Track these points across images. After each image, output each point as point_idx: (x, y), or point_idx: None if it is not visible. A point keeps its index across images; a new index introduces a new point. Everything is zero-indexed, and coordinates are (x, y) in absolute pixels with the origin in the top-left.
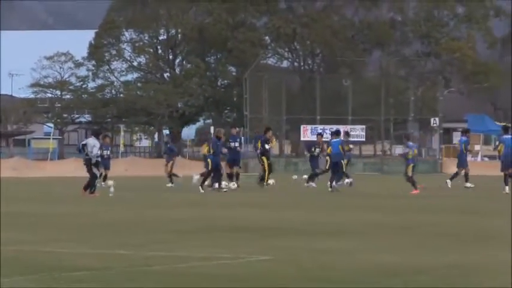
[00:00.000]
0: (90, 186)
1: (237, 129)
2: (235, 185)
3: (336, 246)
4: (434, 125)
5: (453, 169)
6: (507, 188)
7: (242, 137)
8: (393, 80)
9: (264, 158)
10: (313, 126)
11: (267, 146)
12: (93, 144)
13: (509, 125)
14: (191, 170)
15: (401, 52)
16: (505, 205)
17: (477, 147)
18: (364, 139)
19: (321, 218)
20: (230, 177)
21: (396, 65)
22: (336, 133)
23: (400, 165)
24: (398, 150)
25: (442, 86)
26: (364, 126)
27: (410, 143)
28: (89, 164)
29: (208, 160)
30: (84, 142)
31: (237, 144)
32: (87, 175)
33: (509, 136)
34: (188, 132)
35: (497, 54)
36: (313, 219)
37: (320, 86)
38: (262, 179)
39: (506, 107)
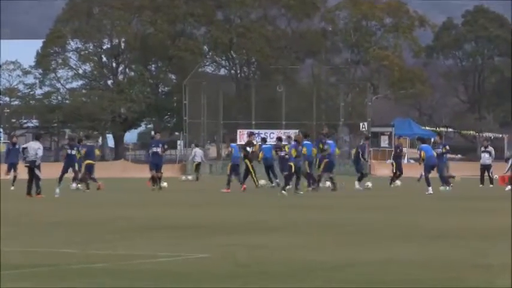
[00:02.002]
0: (36, 187)
1: (159, 134)
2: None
3: (269, 243)
4: (363, 129)
5: (381, 171)
6: (430, 188)
7: (182, 141)
8: (324, 86)
9: (247, 161)
10: (249, 130)
11: (248, 149)
12: (36, 147)
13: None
14: (134, 173)
15: (332, 60)
16: (428, 203)
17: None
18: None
19: (257, 216)
20: (154, 180)
21: (327, 73)
22: (279, 139)
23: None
24: None
25: (371, 92)
26: (297, 131)
27: (305, 141)
28: (32, 166)
29: (291, 163)
30: (24, 146)
31: (158, 149)
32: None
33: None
34: (130, 136)
35: (422, 62)
36: (249, 217)
37: (255, 92)
38: (242, 181)
39: (431, 112)
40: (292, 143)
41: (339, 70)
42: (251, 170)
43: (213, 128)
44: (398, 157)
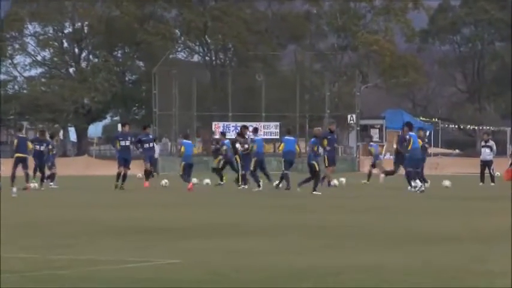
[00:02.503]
0: None
1: (128, 125)
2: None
3: (248, 247)
4: (351, 121)
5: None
6: (415, 183)
7: (152, 135)
8: (308, 74)
9: (237, 157)
10: (225, 123)
11: (238, 146)
12: None
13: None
14: (98, 170)
15: (317, 46)
16: (424, 204)
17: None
18: (278, 136)
19: (235, 218)
20: (119, 177)
21: (311, 59)
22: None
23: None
24: None
25: (359, 81)
26: (278, 123)
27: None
28: None
29: (314, 162)
30: None
31: (127, 142)
32: None
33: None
34: (95, 129)
35: (415, 47)
36: (225, 219)
37: (232, 81)
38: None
39: (425, 103)
40: (312, 139)
41: (324, 57)
42: (238, 168)
43: (186, 121)
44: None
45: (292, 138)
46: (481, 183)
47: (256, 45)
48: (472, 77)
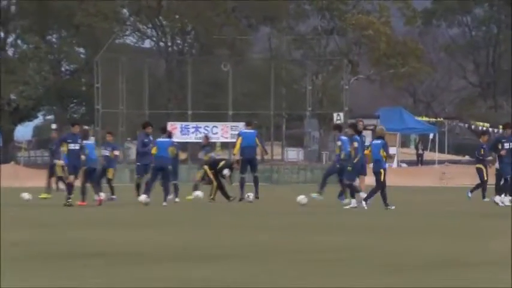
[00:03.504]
0: None
1: (78, 126)
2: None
3: (214, 275)
4: (338, 121)
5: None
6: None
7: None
8: (286, 64)
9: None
10: (184, 123)
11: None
12: None
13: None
14: (28, 180)
15: (296, 29)
16: (424, 222)
17: (392, 151)
18: None
19: (202, 240)
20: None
21: (289, 45)
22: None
23: (294, 173)
24: (292, 153)
25: (348, 72)
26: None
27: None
28: None
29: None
30: None
31: (77, 146)
32: None
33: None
34: (24, 131)
35: (417, 31)
36: (190, 240)
37: (192, 72)
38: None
39: (429, 98)
40: (342, 137)
41: (305, 42)
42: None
43: (135, 120)
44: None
45: (251, 130)
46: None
47: (222, 27)
48: (485, 67)
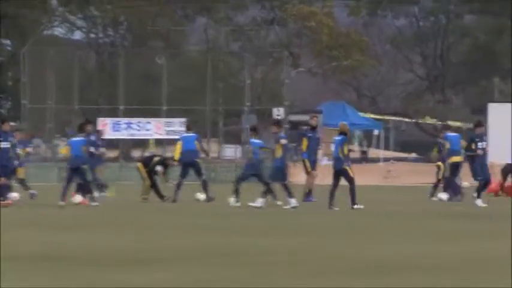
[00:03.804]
0: None
1: (8, 123)
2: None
3: (140, 280)
4: (278, 117)
5: (302, 177)
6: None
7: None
8: (223, 56)
9: (140, 166)
10: (116, 119)
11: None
12: None
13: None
14: None
15: (234, 19)
16: (373, 223)
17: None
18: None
19: (131, 242)
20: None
21: (227, 37)
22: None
23: (231, 171)
24: (230, 151)
25: (289, 64)
26: (184, 120)
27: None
28: None
29: (346, 167)
30: None
31: (7, 144)
32: None
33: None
34: None
35: (361, 22)
36: (116, 243)
37: (124, 65)
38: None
39: (374, 93)
40: (337, 137)
41: (243, 33)
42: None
43: (64, 116)
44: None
45: (191, 134)
46: (447, 196)
47: (156, 18)
48: (433, 59)
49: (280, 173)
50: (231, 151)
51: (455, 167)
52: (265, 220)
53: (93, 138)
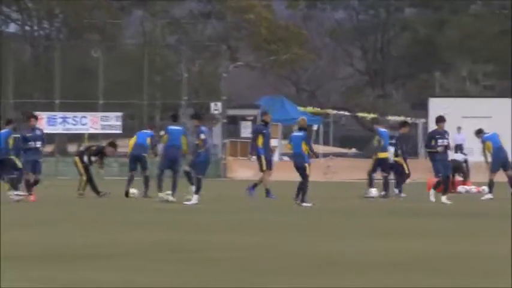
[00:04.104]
0: None
1: None
2: None
3: (80, 277)
4: (216, 111)
5: (242, 173)
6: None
7: None
8: (160, 50)
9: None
10: (52, 114)
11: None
12: None
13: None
14: None
15: (171, 12)
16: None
17: (274, 143)
18: (120, 131)
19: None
20: None
21: (164, 30)
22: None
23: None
24: None
25: (227, 58)
26: (120, 114)
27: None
28: None
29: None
30: None
31: None
32: None
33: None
34: None
35: (300, 15)
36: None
37: (60, 58)
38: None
39: (313, 87)
40: (297, 133)
41: (180, 26)
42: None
43: None
44: None
45: (148, 131)
46: (383, 192)
47: (92, 10)
48: (373, 53)
49: (200, 167)
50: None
51: (382, 163)
52: (197, 216)
53: (38, 132)
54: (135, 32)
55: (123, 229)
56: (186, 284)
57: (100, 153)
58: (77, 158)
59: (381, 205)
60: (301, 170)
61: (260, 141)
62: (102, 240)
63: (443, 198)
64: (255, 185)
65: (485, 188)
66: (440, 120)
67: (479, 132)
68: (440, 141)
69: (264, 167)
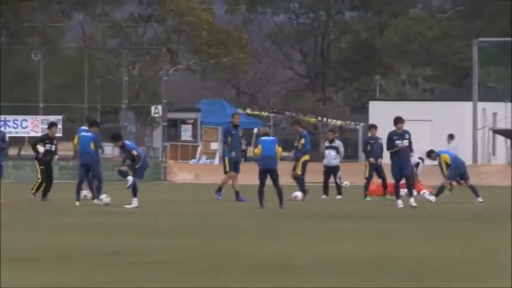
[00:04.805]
0: None
1: None
2: None
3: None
4: (156, 115)
5: (182, 176)
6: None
7: None
8: (100, 53)
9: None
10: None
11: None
12: None
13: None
14: None
15: (111, 15)
16: (247, 223)
17: (214, 146)
18: (60, 134)
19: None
20: None
21: (104, 33)
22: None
23: (109, 170)
24: (107, 149)
25: (167, 61)
26: (61, 117)
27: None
28: None
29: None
30: None
31: None
32: None
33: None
34: None
35: (240, 19)
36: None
37: (0, 62)
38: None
39: (253, 90)
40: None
41: (121, 30)
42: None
43: None
44: None
45: (89, 134)
46: (324, 196)
47: (32, 13)
48: (313, 57)
49: (138, 172)
50: (109, 149)
51: (305, 166)
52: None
53: None
54: (76, 35)
55: (55, 232)
56: (113, 283)
57: (46, 138)
58: (36, 161)
59: (312, 208)
60: (274, 172)
61: (229, 141)
62: (33, 244)
63: (399, 202)
64: (219, 189)
65: (426, 191)
66: (398, 121)
67: (431, 153)
68: (398, 142)
69: (228, 169)
